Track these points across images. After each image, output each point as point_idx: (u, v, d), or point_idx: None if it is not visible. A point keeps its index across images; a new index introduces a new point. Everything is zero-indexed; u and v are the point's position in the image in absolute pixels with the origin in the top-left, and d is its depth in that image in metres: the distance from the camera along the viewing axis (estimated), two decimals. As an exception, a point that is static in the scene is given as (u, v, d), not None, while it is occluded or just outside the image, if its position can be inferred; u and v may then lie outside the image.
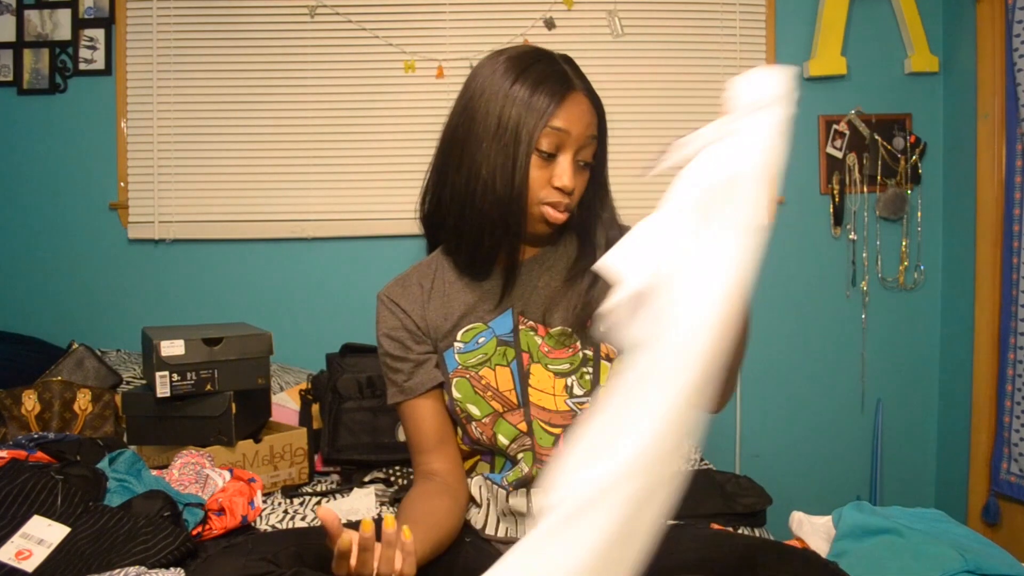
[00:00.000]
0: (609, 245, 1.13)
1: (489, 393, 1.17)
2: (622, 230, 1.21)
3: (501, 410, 1.17)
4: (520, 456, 1.18)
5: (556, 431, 1.17)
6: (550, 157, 1.11)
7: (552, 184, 1.11)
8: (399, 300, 1.22)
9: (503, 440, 1.17)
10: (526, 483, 1.17)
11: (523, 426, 1.17)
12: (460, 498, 1.19)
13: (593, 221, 1.20)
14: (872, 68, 2.65)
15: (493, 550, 1.21)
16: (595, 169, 1.17)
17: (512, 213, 1.12)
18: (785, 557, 0.97)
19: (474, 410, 1.17)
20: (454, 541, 1.19)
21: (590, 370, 1.17)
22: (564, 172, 1.11)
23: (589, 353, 1.17)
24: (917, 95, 2.67)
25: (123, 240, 2.59)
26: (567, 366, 1.16)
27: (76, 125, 2.57)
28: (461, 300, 1.20)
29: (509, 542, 1.20)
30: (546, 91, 1.10)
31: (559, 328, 1.17)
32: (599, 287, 1.17)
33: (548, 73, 1.12)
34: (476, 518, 1.23)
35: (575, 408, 1.16)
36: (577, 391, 1.16)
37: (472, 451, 1.23)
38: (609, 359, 1.17)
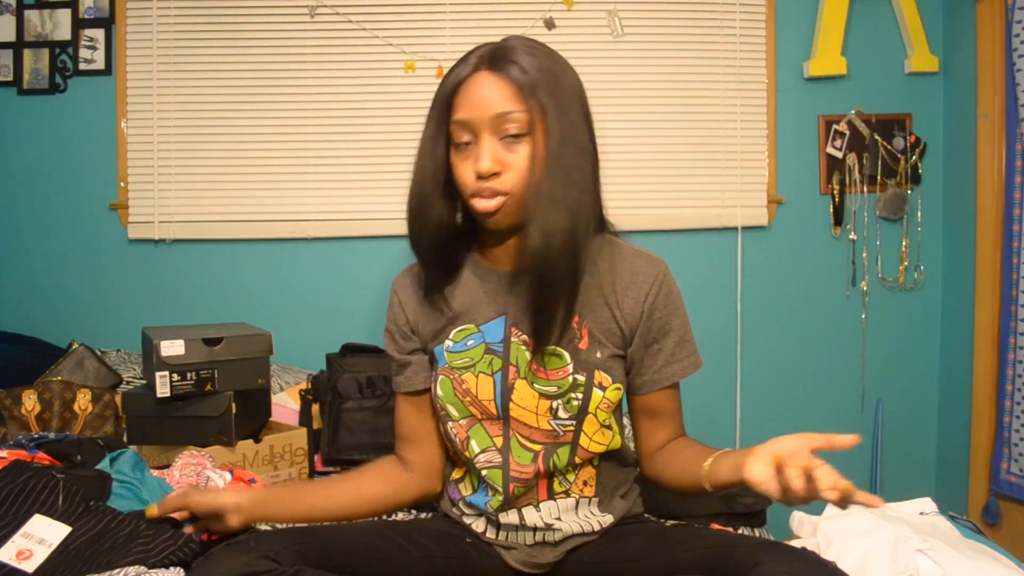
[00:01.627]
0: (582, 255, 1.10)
1: (468, 399, 1.16)
2: (610, 240, 1.18)
3: (480, 417, 1.17)
4: (485, 472, 1.17)
5: (536, 448, 1.15)
6: (467, 146, 1.09)
7: (474, 174, 1.08)
8: (400, 291, 1.24)
9: (474, 447, 1.17)
10: (508, 503, 1.17)
11: (499, 440, 1.16)
12: (410, 487, 1.26)
13: (571, 215, 1.06)
14: (872, 68, 2.65)
15: (494, 552, 1.21)
16: (549, 141, 1.06)
17: (429, 214, 1.12)
18: (784, 556, 0.97)
19: (452, 411, 1.17)
20: (456, 543, 1.20)
21: (579, 396, 1.13)
22: (479, 156, 1.07)
23: (580, 378, 1.13)
24: (917, 95, 2.67)
25: (123, 240, 2.59)
26: (554, 389, 1.13)
27: (76, 125, 2.57)
28: (458, 299, 1.19)
29: (510, 547, 1.20)
30: (448, 83, 1.10)
31: (552, 348, 1.13)
32: (595, 310, 1.15)
33: (458, 66, 1.11)
34: (476, 523, 1.23)
35: (558, 429, 1.14)
36: (562, 414, 1.14)
37: (454, 456, 1.25)
38: (602, 387, 1.14)
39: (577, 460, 1.17)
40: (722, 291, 2.67)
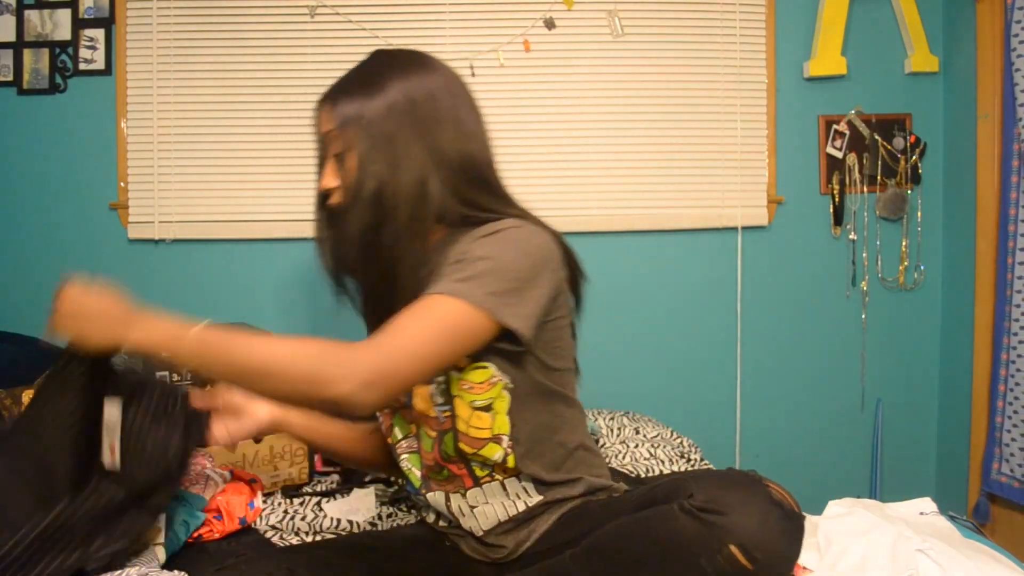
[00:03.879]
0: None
1: None
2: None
3: (397, 406, 1.23)
4: (405, 457, 1.24)
5: (432, 435, 1.19)
6: None
7: None
8: None
9: (397, 434, 1.24)
10: (427, 485, 1.23)
11: (413, 427, 1.22)
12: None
13: (394, 208, 1.14)
14: (872, 68, 2.65)
15: (461, 550, 1.23)
16: (369, 152, 1.15)
17: None
18: (704, 478, 1.00)
19: None
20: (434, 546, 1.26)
21: (443, 379, 1.15)
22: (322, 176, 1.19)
23: None
24: (917, 95, 2.67)
25: (123, 240, 2.59)
26: None
27: (76, 125, 2.57)
28: None
29: (464, 535, 1.24)
30: None
31: None
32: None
33: None
34: (429, 516, 1.30)
35: (440, 415, 1.17)
36: (439, 399, 1.17)
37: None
38: (458, 368, 1.14)
39: (464, 448, 1.16)
40: (722, 291, 2.67)
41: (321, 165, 1.21)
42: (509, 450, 1.16)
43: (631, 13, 2.58)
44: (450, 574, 1.22)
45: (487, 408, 1.14)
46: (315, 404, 1.00)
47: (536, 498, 1.19)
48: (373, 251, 1.14)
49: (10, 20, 2.54)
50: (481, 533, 1.19)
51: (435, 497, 1.22)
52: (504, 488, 1.19)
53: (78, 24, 2.55)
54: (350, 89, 1.18)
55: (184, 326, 1.02)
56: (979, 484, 2.48)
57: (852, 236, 2.67)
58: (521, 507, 1.19)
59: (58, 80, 2.56)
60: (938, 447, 2.73)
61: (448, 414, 1.16)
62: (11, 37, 2.54)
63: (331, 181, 1.16)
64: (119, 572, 1.14)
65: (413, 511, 1.60)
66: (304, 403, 1.03)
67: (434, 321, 1.02)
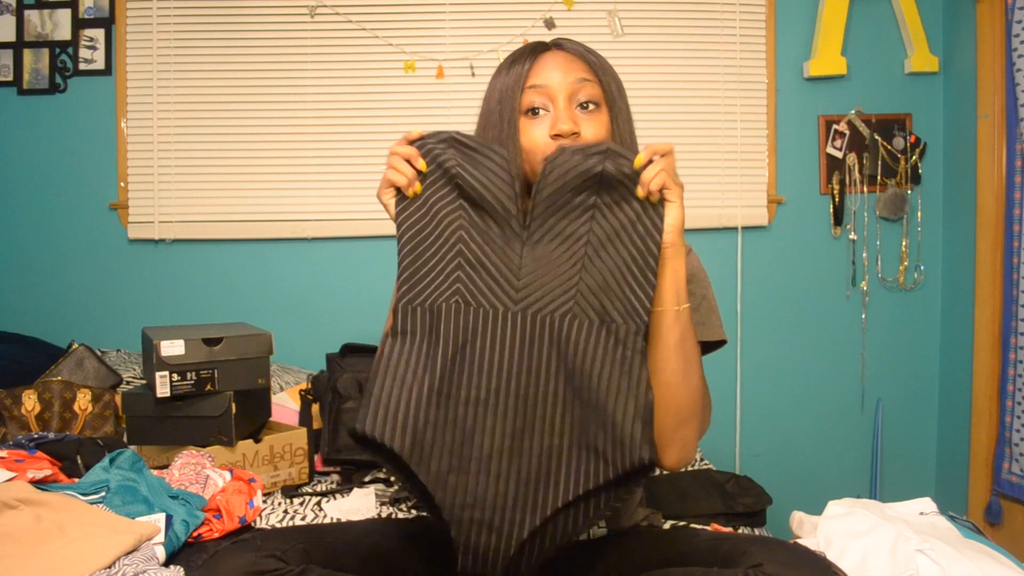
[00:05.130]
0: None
1: None
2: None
3: None
4: None
5: None
6: (537, 112, 1.11)
7: (551, 133, 1.09)
8: None
9: None
10: None
11: None
12: None
13: None
14: (872, 68, 2.65)
15: None
16: (616, 120, 1.17)
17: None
18: (774, 549, 0.97)
19: None
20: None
21: None
22: (560, 116, 1.09)
23: None
24: (917, 95, 2.67)
25: (123, 240, 2.59)
26: None
27: (76, 125, 2.57)
28: None
29: None
30: (520, 60, 1.14)
31: None
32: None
33: (524, 49, 1.16)
34: None
35: None
36: None
37: None
38: None
39: None
40: (722, 291, 2.66)
41: (524, 103, 1.13)
42: None
43: (631, 13, 2.58)
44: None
45: None
46: (663, 437, 1.05)
47: (603, 530, 1.18)
48: None
49: (10, 20, 2.54)
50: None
51: None
52: None
53: (78, 24, 2.55)
54: (602, 62, 1.17)
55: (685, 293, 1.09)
56: (986, 484, 2.48)
57: (852, 236, 2.67)
58: (584, 536, 1.18)
59: (58, 80, 2.56)
60: (938, 447, 2.73)
61: None
62: (11, 37, 2.54)
63: (575, 126, 1.10)
64: (115, 570, 1.14)
65: (414, 511, 1.60)
66: (664, 428, 1.04)
67: None
